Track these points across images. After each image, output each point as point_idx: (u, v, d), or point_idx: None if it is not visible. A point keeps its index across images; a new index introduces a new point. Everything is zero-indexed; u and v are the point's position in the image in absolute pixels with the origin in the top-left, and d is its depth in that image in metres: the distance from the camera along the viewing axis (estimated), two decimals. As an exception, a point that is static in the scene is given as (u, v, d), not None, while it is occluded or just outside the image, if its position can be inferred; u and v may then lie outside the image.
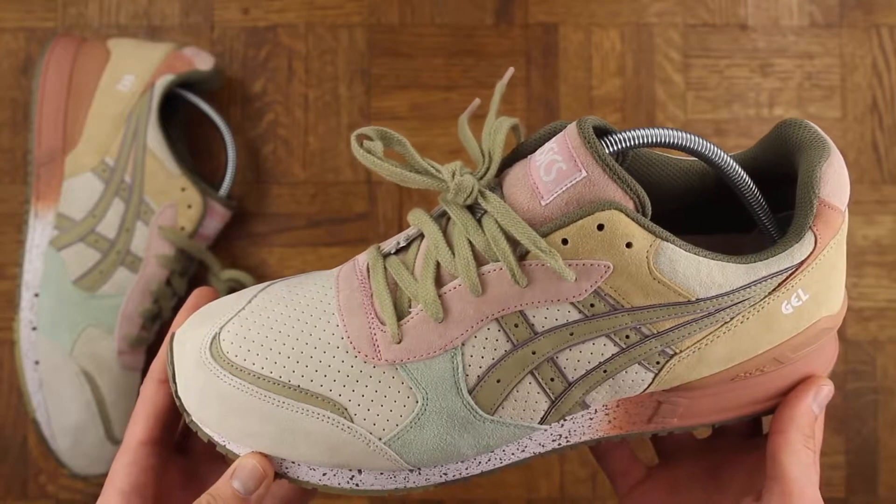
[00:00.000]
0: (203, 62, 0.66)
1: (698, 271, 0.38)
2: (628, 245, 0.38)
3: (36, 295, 0.64)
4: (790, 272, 0.39)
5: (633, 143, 0.39)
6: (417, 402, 0.40)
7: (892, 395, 0.69)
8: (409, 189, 0.69)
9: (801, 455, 0.42)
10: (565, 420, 0.43)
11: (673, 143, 0.39)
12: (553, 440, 0.43)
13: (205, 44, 0.70)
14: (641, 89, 0.70)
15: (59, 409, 0.64)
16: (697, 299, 0.39)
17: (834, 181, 0.39)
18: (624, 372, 0.41)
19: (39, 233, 0.64)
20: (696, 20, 0.70)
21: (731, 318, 0.40)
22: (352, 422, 0.41)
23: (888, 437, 0.69)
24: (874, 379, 0.69)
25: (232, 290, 0.67)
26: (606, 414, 0.43)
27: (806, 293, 0.41)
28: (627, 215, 0.37)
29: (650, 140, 0.39)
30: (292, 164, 0.70)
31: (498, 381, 0.40)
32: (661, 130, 0.39)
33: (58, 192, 0.64)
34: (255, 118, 0.70)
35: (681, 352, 0.41)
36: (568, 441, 0.44)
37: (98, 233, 0.63)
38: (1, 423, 0.69)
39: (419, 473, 0.43)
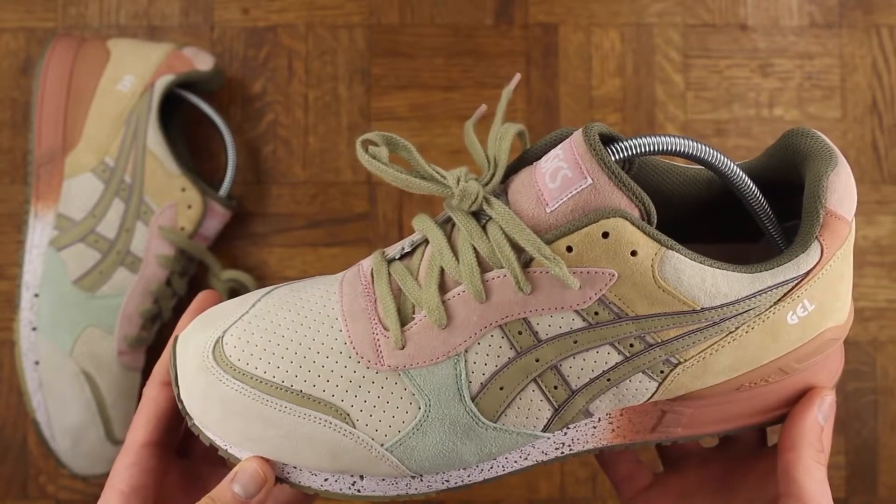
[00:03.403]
0: (203, 62, 0.66)
1: (703, 280, 0.38)
2: (633, 253, 0.37)
3: (36, 295, 0.64)
4: (796, 282, 0.39)
5: (639, 150, 0.39)
6: (420, 408, 0.40)
7: (892, 395, 0.69)
8: (410, 190, 0.69)
9: (814, 471, 0.42)
10: (568, 428, 0.43)
11: (680, 150, 0.39)
12: (556, 448, 0.43)
13: (205, 44, 0.70)
14: (641, 89, 0.70)
15: (59, 409, 0.64)
16: (702, 308, 0.38)
17: (841, 191, 0.39)
18: (628, 381, 0.41)
19: (39, 233, 0.64)
20: (696, 20, 0.70)
21: (736, 328, 0.40)
22: (354, 427, 0.40)
23: (888, 437, 0.69)
24: (874, 379, 0.70)
25: (232, 291, 0.67)
26: (610, 422, 0.43)
27: (812, 303, 0.40)
28: (633, 223, 0.37)
29: (657, 148, 0.39)
30: (292, 165, 0.70)
31: (501, 389, 0.40)
32: (667, 138, 0.39)
33: (58, 193, 0.64)
34: (255, 118, 0.70)
35: (685, 361, 0.41)
36: (571, 449, 0.44)
37: (98, 233, 0.63)
38: (1, 423, 0.69)
39: (421, 480, 0.43)
